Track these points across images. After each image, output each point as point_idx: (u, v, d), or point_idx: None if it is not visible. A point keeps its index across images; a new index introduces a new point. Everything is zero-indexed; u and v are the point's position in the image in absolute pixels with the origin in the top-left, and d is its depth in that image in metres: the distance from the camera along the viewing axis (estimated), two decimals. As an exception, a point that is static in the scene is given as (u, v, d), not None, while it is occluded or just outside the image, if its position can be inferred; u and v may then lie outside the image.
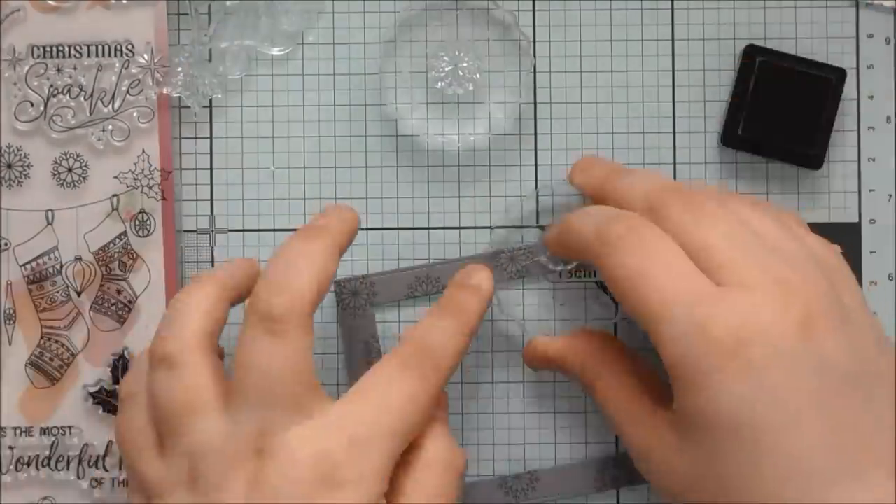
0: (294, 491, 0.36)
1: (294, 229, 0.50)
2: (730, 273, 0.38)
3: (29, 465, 0.49)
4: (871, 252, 0.50)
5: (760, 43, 0.49)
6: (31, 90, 0.49)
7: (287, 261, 0.39)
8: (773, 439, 0.37)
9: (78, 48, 0.49)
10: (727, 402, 0.37)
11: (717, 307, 0.37)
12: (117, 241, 0.49)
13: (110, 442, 0.49)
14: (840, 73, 0.48)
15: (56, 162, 0.49)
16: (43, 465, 0.49)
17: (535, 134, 0.50)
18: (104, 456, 0.49)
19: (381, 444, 0.38)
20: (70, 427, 0.49)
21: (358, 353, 0.49)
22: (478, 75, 0.49)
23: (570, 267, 0.48)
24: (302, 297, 0.38)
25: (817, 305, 0.38)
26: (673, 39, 0.50)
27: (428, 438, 0.40)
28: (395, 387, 0.39)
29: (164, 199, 0.49)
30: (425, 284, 0.49)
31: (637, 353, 0.45)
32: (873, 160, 0.50)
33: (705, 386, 0.37)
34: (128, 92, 0.49)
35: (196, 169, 0.50)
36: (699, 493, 0.39)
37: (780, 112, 0.48)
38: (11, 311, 0.49)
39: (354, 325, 0.49)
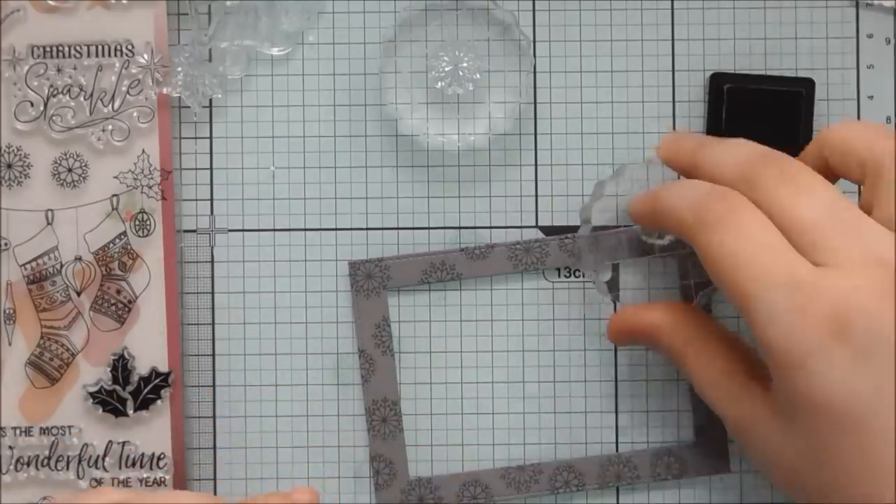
0: None
1: (294, 229, 0.50)
2: (827, 253, 0.38)
3: (29, 464, 0.49)
4: (872, 252, 0.50)
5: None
6: (31, 90, 0.49)
7: None
8: (880, 430, 0.36)
9: (78, 48, 0.49)
10: (828, 384, 0.37)
11: (816, 289, 0.37)
12: (117, 241, 0.49)
13: (110, 442, 0.49)
14: (809, 84, 0.48)
15: (56, 162, 0.49)
16: (43, 465, 0.49)
17: (535, 134, 0.50)
18: (104, 456, 0.49)
19: None
20: (70, 427, 0.49)
21: (368, 335, 0.49)
22: (478, 75, 0.49)
23: (664, 242, 0.48)
24: None
25: None
26: (673, 39, 0.50)
27: None
28: None
29: (164, 199, 0.49)
30: (440, 271, 0.49)
31: (728, 329, 0.45)
32: (873, 160, 0.50)
33: (804, 367, 0.37)
34: (128, 92, 0.49)
35: (196, 169, 0.50)
36: (804, 479, 0.38)
37: (757, 134, 0.48)
38: (11, 311, 0.49)
39: (367, 308, 0.49)
